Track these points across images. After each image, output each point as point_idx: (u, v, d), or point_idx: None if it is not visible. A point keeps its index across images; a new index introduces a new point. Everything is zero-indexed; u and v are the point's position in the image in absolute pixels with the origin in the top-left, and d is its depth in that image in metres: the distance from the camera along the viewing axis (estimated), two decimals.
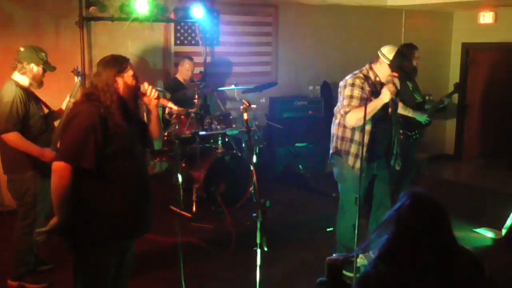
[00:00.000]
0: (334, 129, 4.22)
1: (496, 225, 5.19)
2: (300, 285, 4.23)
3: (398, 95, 4.09)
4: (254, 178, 3.21)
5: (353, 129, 4.04)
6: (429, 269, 1.98)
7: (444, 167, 8.14)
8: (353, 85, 3.98)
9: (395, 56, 3.98)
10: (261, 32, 7.25)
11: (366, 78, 4.03)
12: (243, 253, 4.37)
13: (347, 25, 7.80)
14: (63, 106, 4.10)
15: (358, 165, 4.00)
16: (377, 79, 4.03)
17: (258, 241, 3.07)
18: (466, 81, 8.64)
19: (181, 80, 6.11)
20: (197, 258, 4.53)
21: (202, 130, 5.54)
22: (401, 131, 5.27)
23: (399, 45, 5.55)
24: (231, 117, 5.92)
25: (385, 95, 3.85)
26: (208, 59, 6.80)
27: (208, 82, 6.20)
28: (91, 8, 5.63)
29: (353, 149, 4.07)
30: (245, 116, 3.26)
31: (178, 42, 6.59)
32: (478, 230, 5.24)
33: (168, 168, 6.23)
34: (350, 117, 3.96)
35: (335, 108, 4.23)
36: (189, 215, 5.17)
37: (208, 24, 6.52)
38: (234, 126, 5.78)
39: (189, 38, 6.64)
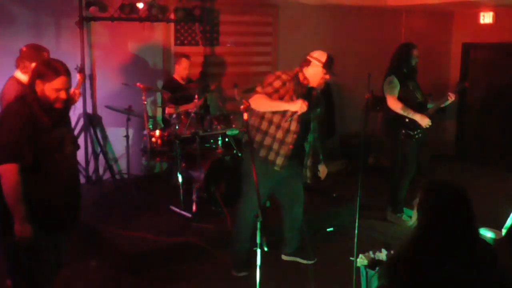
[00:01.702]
0: (251, 119, 4.21)
1: (496, 225, 5.19)
2: (300, 285, 4.23)
3: (312, 111, 4.14)
4: (254, 178, 3.21)
5: (270, 123, 4.09)
6: (454, 255, 2.11)
7: (444, 167, 8.13)
8: (278, 77, 4.09)
9: (327, 60, 4.10)
10: (261, 32, 7.25)
11: (295, 77, 4.12)
12: None
13: (347, 25, 7.79)
14: None
15: (271, 158, 4.09)
16: (305, 81, 4.14)
17: (258, 241, 3.08)
18: (466, 81, 8.63)
19: (179, 79, 6.12)
20: (197, 258, 4.53)
21: (202, 130, 5.54)
22: (403, 131, 5.28)
23: (398, 45, 5.61)
24: (231, 117, 5.92)
25: (295, 106, 3.96)
26: (208, 59, 6.81)
27: (207, 82, 6.21)
28: (91, 8, 5.62)
29: (266, 141, 4.10)
30: (245, 116, 3.27)
31: (178, 42, 6.59)
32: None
33: (168, 168, 6.23)
34: (256, 98, 4.03)
35: None
36: (189, 215, 5.17)
37: (208, 24, 6.52)
38: (234, 126, 5.78)
39: (189, 38, 6.65)
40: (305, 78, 4.14)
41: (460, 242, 2.14)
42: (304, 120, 4.11)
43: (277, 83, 4.05)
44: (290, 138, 4.08)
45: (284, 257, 4.58)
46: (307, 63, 4.15)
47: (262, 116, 4.12)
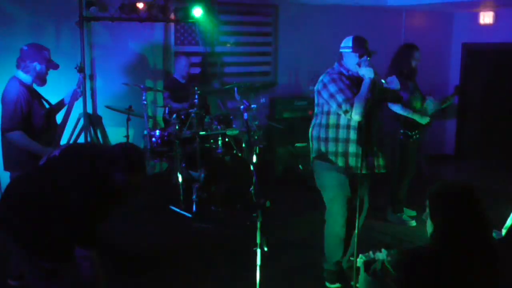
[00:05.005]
0: (314, 131, 3.97)
1: (496, 225, 5.18)
2: (300, 285, 4.23)
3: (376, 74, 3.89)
4: (254, 178, 3.21)
5: (337, 128, 3.84)
6: (472, 251, 2.18)
7: (444, 167, 8.13)
8: (334, 80, 3.82)
9: (354, 41, 3.96)
10: (261, 32, 7.25)
11: (341, 72, 3.91)
12: (243, 253, 4.36)
13: (347, 25, 7.77)
14: (66, 99, 4.19)
15: (341, 163, 3.85)
16: (350, 73, 3.93)
17: (258, 241, 3.08)
18: (466, 81, 8.64)
19: (180, 78, 6.13)
20: (197, 258, 4.53)
21: (202, 130, 5.54)
22: (401, 131, 5.28)
23: (399, 45, 5.61)
24: (231, 117, 5.93)
25: (368, 72, 3.76)
26: (208, 59, 6.80)
27: (208, 82, 6.22)
28: (91, 8, 5.62)
29: (340, 148, 3.85)
30: (245, 116, 3.27)
31: (178, 42, 6.60)
32: None
33: (168, 168, 6.23)
34: (356, 108, 3.70)
35: (315, 110, 4.00)
36: (189, 215, 5.17)
37: (208, 24, 6.52)
38: (234, 126, 5.79)
39: (189, 38, 6.65)
40: (348, 70, 3.96)
41: (479, 241, 2.19)
42: (368, 113, 3.74)
43: (341, 84, 3.80)
44: (356, 135, 3.80)
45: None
46: (340, 55, 4.02)
47: (326, 125, 3.87)
